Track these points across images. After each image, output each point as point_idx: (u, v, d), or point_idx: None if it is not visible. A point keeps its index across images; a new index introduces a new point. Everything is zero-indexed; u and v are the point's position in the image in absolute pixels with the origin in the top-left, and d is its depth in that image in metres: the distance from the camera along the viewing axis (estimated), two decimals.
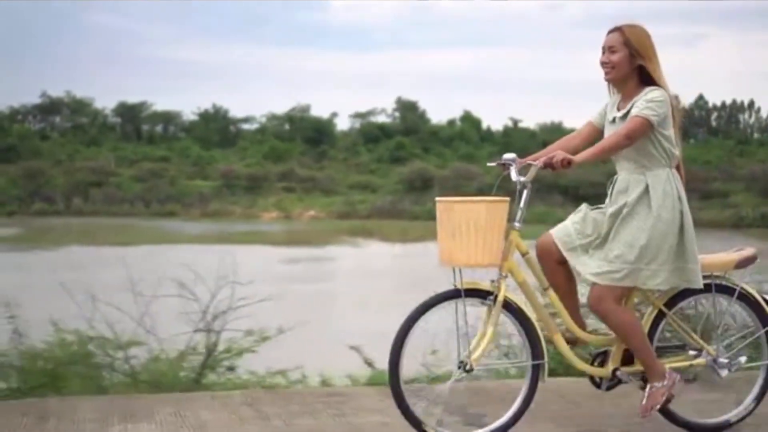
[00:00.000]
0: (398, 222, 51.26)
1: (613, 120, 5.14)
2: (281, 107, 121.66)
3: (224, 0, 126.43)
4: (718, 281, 5.25)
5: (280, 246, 40.75)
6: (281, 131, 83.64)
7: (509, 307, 5.04)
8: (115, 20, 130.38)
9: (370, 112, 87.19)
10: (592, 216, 5.14)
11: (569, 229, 5.14)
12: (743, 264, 5.28)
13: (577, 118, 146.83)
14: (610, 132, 5.13)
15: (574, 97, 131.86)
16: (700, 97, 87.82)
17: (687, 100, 66.81)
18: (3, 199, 58.46)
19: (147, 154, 72.72)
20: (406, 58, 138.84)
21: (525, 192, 5.05)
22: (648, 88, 5.02)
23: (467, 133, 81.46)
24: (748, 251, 5.32)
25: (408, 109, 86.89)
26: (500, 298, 4.97)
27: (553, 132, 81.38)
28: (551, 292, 5.16)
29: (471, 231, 4.90)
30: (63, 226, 48.63)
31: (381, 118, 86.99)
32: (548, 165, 4.92)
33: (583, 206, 5.21)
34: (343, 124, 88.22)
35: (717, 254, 5.33)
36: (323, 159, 74.70)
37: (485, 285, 5.02)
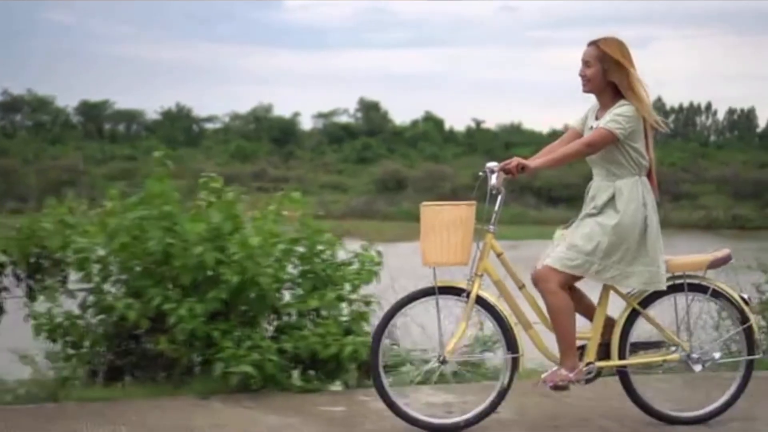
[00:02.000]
0: (372, 222, 51.33)
1: (591, 128, 5.36)
2: (240, 106, 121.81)
3: None
4: (691, 281, 5.43)
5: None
6: (246, 131, 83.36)
7: (484, 303, 5.32)
8: (70, 17, 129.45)
9: (333, 112, 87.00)
10: (565, 234, 5.41)
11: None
12: (716, 264, 5.45)
13: (536, 118, 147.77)
14: None
15: (531, 97, 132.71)
16: (658, 99, 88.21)
17: None
18: None
19: (113, 153, 72.24)
20: (364, 58, 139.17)
21: (498, 197, 5.30)
22: (620, 102, 5.26)
23: (431, 134, 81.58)
24: (722, 252, 5.50)
25: (370, 109, 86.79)
26: (473, 295, 5.27)
27: (513, 133, 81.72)
28: (526, 291, 5.41)
29: (438, 232, 5.23)
30: None
31: (343, 119, 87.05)
32: (506, 170, 5.23)
33: (557, 230, 5.52)
34: (304, 123, 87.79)
35: (691, 255, 5.53)
36: (290, 159, 74.68)
37: (460, 283, 5.31)
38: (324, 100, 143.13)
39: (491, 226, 5.31)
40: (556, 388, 5.31)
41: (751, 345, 5.50)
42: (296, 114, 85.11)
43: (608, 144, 5.23)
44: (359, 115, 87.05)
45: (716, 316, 5.82)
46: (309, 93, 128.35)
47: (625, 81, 5.23)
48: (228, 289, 6.18)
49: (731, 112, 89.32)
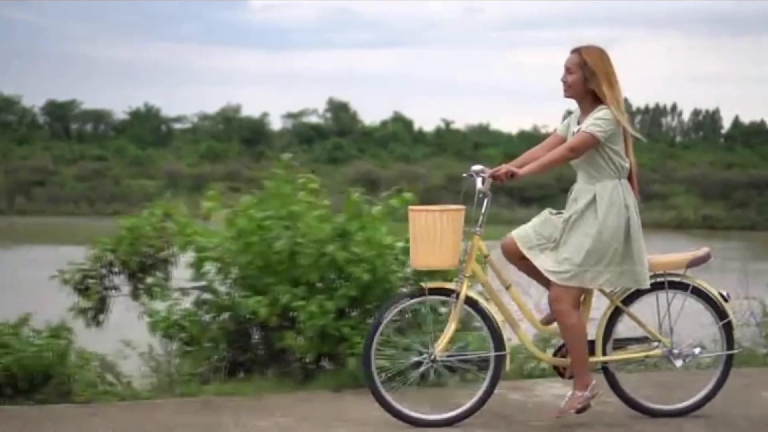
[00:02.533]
0: None
1: (573, 133, 5.57)
2: (206, 106, 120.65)
3: None
4: (671, 278, 5.65)
5: None
6: (215, 131, 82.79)
7: (473, 304, 5.52)
8: (29, 16, 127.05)
9: (302, 113, 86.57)
10: (552, 220, 5.59)
11: (528, 230, 5.60)
12: (695, 263, 5.69)
13: (503, 119, 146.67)
14: None
15: (498, 98, 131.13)
16: (624, 100, 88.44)
17: None
18: None
19: (83, 153, 71.62)
20: (329, 58, 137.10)
21: (485, 200, 5.51)
22: (599, 107, 5.46)
23: (400, 134, 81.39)
24: (702, 251, 5.74)
25: (339, 109, 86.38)
26: (462, 296, 5.47)
27: (481, 134, 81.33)
28: (512, 290, 5.66)
29: (429, 237, 5.43)
30: (23, 225, 48.05)
31: (312, 119, 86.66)
32: (495, 177, 5.44)
33: (545, 211, 5.69)
34: (272, 124, 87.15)
35: (671, 254, 5.77)
36: (261, 159, 74.34)
37: (449, 284, 5.52)
38: (290, 100, 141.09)
39: (478, 229, 5.50)
40: (580, 411, 5.46)
41: (729, 340, 5.73)
42: (264, 114, 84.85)
43: (590, 147, 5.42)
44: (328, 115, 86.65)
45: (696, 313, 6.03)
46: (275, 93, 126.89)
47: (604, 89, 5.44)
48: (358, 286, 6.40)
49: (696, 113, 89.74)
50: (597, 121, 5.40)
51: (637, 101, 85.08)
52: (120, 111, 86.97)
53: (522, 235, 5.58)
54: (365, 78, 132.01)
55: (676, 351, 5.67)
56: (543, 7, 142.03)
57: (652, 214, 50.05)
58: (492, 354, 5.51)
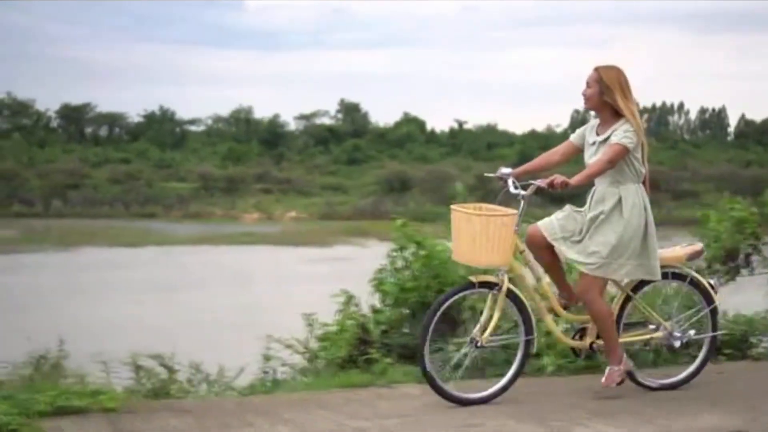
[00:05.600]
0: (382, 222, 51.36)
1: (594, 143, 6.27)
2: (211, 108, 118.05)
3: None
4: (673, 270, 6.50)
5: (306, 247, 40.77)
6: (232, 133, 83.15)
7: (510, 295, 6.21)
8: (22, 19, 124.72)
9: (314, 114, 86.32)
10: (573, 215, 6.27)
11: (553, 222, 6.25)
12: (693, 257, 6.59)
13: (510, 119, 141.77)
14: (590, 152, 6.30)
15: (502, 98, 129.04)
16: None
17: None
18: None
19: (107, 157, 72.07)
20: (327, 59, 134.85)
21: (523, 203, 6.19)
22: (622, 120, 6.13)
23: (413, 135, 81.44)
24: (697, 246, 6.66)
25: (351, 110, 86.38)
26: (504, 289, 6.16)
27: (490, 134, 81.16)
28: (542, 283, 6.38)
29: (488, 239, 6.06)
30: (67, 227, 48.29)
31: (325, 120, 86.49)
32: (550, 185, 6.04)
33: (567, 206, 6.32)
34: (286, 125, 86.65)
35: (671, 249, 6.57)
36: (281, 161, 74.46)
37: (493, 278, 6.20)
38: (292, 101, 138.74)
39: (515, 227, 6.09)
40: (619, 383, 6.24)
41: (715, 324, 6.56)
42: (276, 115, 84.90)
43: (623, 157, 6.08)
44: (340, 116, 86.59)
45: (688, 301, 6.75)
46: (278, 94, 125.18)
47: (619, 101, 6.07)
48: None
49: (703, 111, 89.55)
50: (627, 134, 6.03)
51: (644, 100, 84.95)
52: (134, 114, 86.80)
53: (548, 225, 6.20)
54: (365, 78, 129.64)
55: (676, 333, 6.46)
56: (539, 7, 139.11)
57: (683, 212, 50.35)
58: (522, 338, 6.20)
